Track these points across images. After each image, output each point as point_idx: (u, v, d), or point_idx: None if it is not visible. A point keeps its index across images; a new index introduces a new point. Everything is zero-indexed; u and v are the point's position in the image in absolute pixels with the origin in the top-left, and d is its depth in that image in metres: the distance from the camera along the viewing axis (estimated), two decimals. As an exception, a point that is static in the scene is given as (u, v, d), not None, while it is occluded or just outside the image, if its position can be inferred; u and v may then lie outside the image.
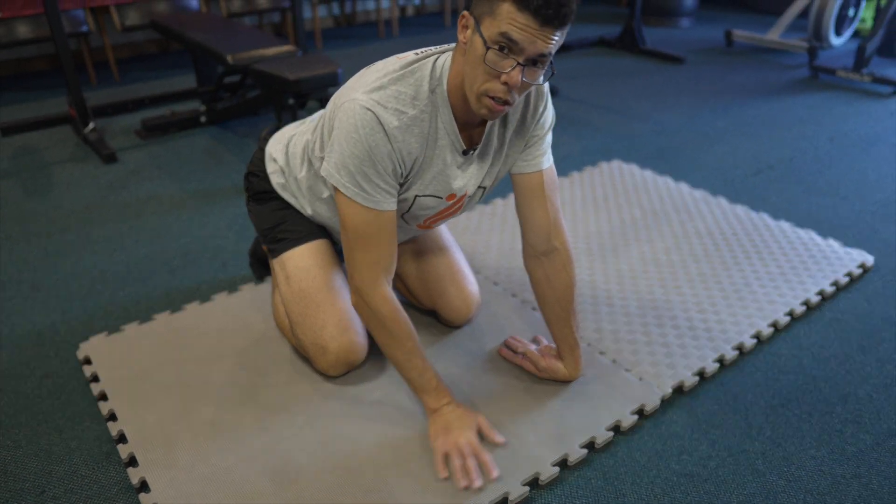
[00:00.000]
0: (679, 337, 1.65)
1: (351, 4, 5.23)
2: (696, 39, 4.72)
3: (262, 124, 3.16)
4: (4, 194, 2.53)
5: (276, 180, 1.55)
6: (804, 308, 1.78)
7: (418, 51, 1.25)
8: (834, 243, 2.06)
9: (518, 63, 1.09)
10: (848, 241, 2.10)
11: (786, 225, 2.17)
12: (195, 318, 1.74)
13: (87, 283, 1.95)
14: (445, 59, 1.22)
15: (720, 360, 1.60)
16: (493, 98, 1.13)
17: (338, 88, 1.26)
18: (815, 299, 1.81)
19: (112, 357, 1.60)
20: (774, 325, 1.72)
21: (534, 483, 1.28)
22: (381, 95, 1.17)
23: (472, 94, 1.15)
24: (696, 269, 1.94)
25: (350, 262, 1.27)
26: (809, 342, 1.68)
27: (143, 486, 1.28)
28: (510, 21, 1.05)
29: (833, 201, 2.38)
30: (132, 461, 1.33)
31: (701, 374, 1.55)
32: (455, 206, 1.38)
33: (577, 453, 1.33)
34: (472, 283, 1.66)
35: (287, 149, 1.52)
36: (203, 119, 3.13)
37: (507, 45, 1.07)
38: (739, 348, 1.64)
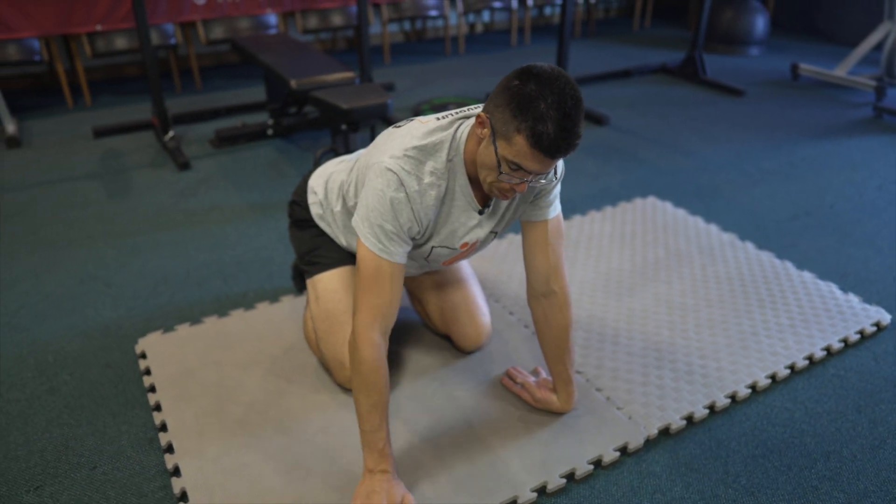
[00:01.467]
0: (675, 380, 1.75)
1: (422, 21, 5.43)
2: (761, 70, 4.68)
3: (324, 139, 3.39)
4: (91, 195, 2.84)
5: (314, 211, 1.74)
6: (807, 362, 1.83)
7: (439, 115, 1.40)
8: (853, 298, 2.09)
9: (526, 179, 1.25)
10: (869, 297, 2.13)
11: (808, 275, 2.21)
12: (239, 324, 1.96)
13: (150, 284, 2.21)
14: (464, 130, 1.37)
15: (711, 407, 1.68)
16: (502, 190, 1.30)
17: (387, 118, 1.44)
18: (819, 354, 1.86)
19: (164, 354, 1.83)
20: (773, 376, 1.78)
21: (512, 505, 1.42)
22: (405, 162, 1.33)
23: (483, 182, 1.32)
24: (707, 314, 2.01)
25: (356, 301, 1.39)
26: (805, 396, 1.74)
27: (176, 471, 1.50)
28: (523, 154, 1.21)
29: (865, 253, 2.39)
30: (169, 448, 1.55)
31: (689, 418, 1.64)
32: (468, 251, 1.54)
33: (556, 482, 1.46)
34: (484, 315, 1.80)
35: (326, 184, 1.70)
36: (270, 132, 3.39)
37: (518, 167, 1.23)
38: (732, 396, 1.71)
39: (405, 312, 1.99)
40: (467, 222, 1.45)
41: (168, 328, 1.97)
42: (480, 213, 1.44)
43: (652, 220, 2.57)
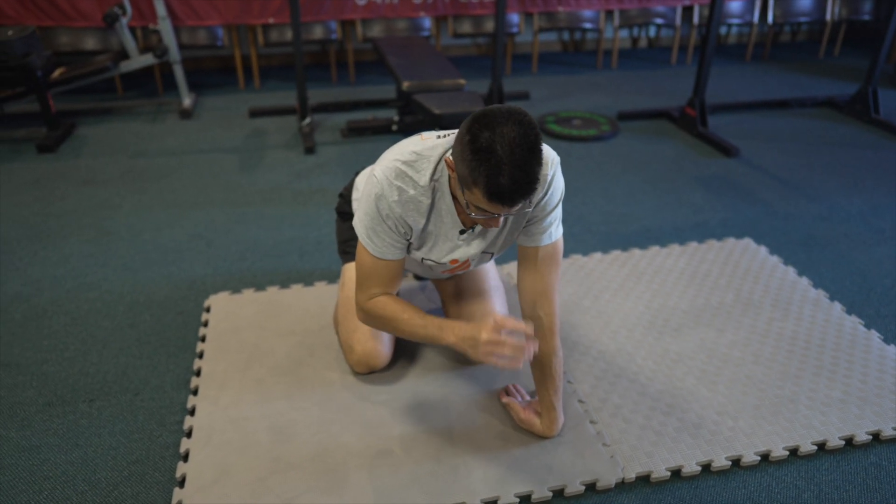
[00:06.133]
0: (678, 431, 1.67)
1: (581, 33, 5.40)
2: (955, 115, 4.07)
3: (440, 140, 3.55)
4: (226, 166, 3.25)
5: (355, 206, 1.90)
6: (842, 443, 1.65)
7: (440, 133, 1.49)
8: (938, 386, 1.83)
9: (496, 215, 1.32)
10: (961, 389, 1.84)
11: (893, 350, 1.96)
12: (293, 297, 2.18)
13: (241, 250, 2.51)
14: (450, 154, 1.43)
15: (706, 465, 1.59)
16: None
17: None
18: (863, 438, 1.66)
19: (223, 311, 2.10)
20: (794, 449, 1.63)
21: (458, 510, 1.47)
22: (391, 173, 1.44)
23: (464, 211, 1.38)
24: (747, 371, 1.88)
25: (357, 287, 1.57)
26: (825, 478, 1.58)
27: (192, 411, 1.73)
28: (484, 204, 1.27)
29: (984, 339, 2.05)
30: (195, 391, 1.80)
31: (676, 471, 1.57)
32: (460, 267, 1.60)
33: (508, 499, 1.48)
34: (498, 328, 1.84)
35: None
36: (394, 128, 3.63)
37: (484, 210, 1.30)
38: (736, 460, 1.60)
39: (436, 314, 2.09)
40: (454, 240, 1.51)
41: (236, 290, 2.24)
42: (462, 233, 1.50)
43: (735, 263, 2.40)
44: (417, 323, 1.51)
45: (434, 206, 1.46)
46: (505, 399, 1.71)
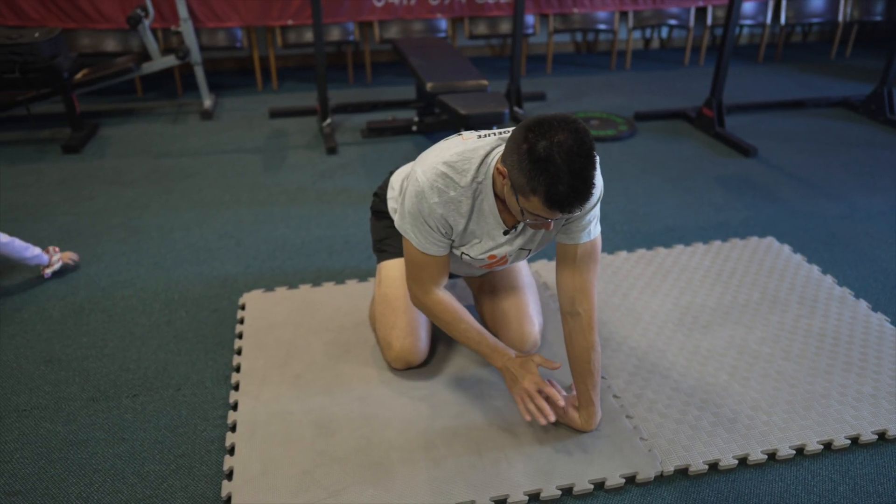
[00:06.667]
0: (713, 425, 1.70)
1: (594, 34, 5.43)
2: (970, 115, 4.09)
3: (460, 140, 3.58)
4: (250, 166, 3.29)
5: (390, 205, 1.92)
6: (875, 437, 1.68)
7: (482, 133, 1.52)
8: (967, 381, 1.85)
9: (550, 220, 1.35)
10: None
11: (920, 348, 1.98)
12: (325, 295, 2.21)
13: (271, 249, 2.55)
14: (494, 158, 1.46)
15: (742, 458, 1.62)
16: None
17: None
18: None
19: (258, 308, 2.13)
20: (828, 443, 1.66)
21: (501, 502, 1.50)
22: (434, 175, 1.47)
23: (516, 215, 1.41)
24: (778, 367, 1.90)
25: (408, 279, 1.65)
26: (860, 472, 1.60)
27: (235, 406, 1.77)
28: (541, 210, 1.30)
29: None
30: (236, 387, 1.83)
31: (714, 464, 1.60)
32: (498, 263, 1.64)
33: (551, 491, 1.51)
34: (533, 325, 1.87)
35: (402, 182, 1.88)
36: (414, 128, 3.66)
37: (539, 216, 1.33)
38: (772, 453, 1.63)
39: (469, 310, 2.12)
40: (496, 238, 1.55)
41: (269, 288, 2.27)
42: (506, 233, 1.53)
43: (759, 261, 2.43)
44: (473, 336, 1.64)
45: (475, 207, 1.49)
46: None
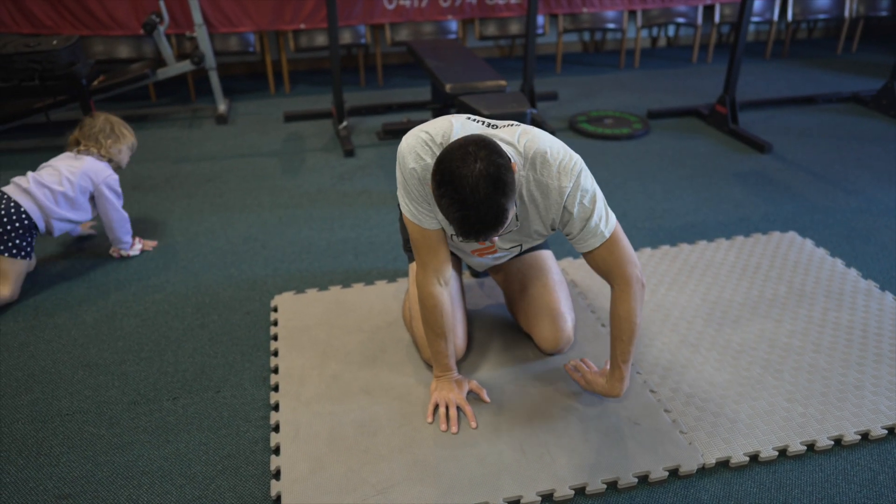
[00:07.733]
0: (751, 417, 1.72)
1: (601, 33, 5.45)
2: (980, 108, 4.11)
3: (476, 141, 3.60)
4: (269, 170, 3.31)
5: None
6: (912, 427, 1.70)
7: (471, 117, 1.55)
8: None
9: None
10: None
11: (949, 338, 2.01)
12: (356, 296, 2.23)
13: (297, 251, 2.56)
14: None
15: (782, 450, 1.64)
16: None
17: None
18: (931, 422, 1.71)
19: (291, 310, 2.15)
20: (865, 434, 1.68)
21: (548, 497, 1.52)
22: (414, 141, 1.51)
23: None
24: (810, 359, 1.92)
25: (416, 261, 1.68)
26: (898, 462, 1.62)
27: (276, 407, 1.78)
28: (457, 236, 1.36)
29: None
30: (276, 388, 1.85)
31: (754, 456, 1.62)
32: (487, 250, 1.68)
33: (596, 486, 1.53)
34: (566, 322, 1.88)
35: None
36: (429, 129, 3.67)
37: None
38: (810, 444, 1.65)
39: (498, 309, 2.14)
40: None
41: (300, 290, 2.29)
42: None
43: (783, 255, 2.45)
44: (438, 350, 1.72)
45: None
46: (571, 363, 1.81)
